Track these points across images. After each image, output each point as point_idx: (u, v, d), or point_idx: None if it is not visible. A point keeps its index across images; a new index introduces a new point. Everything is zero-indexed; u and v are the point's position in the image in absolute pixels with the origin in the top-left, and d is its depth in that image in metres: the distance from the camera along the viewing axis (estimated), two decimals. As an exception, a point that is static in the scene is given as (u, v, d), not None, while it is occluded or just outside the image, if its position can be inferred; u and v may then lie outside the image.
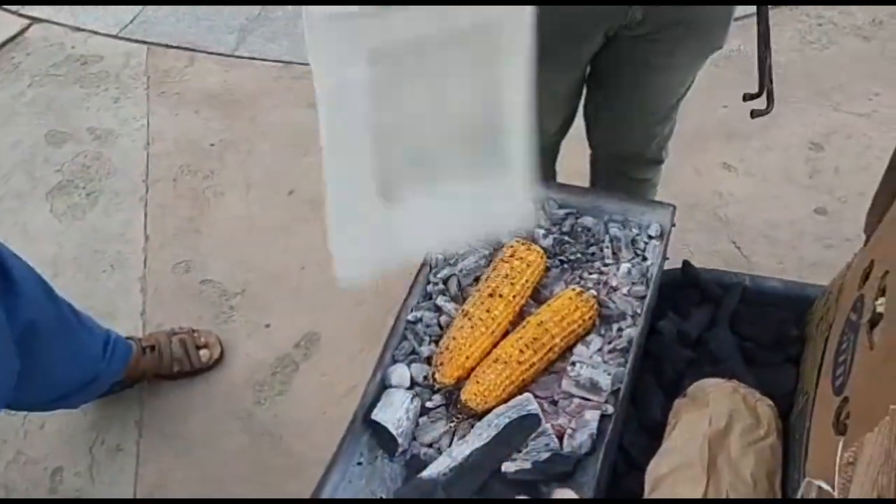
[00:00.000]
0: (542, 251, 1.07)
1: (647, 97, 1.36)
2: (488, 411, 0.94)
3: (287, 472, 1.59)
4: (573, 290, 1.03)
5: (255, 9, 2.70)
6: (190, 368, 1.68)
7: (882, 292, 0.79)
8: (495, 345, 0.99)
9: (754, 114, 1.25)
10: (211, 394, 1.70)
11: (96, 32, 2.62)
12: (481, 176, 0.81)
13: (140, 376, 1.64)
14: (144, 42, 2.58)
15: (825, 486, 0.71)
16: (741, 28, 2.11)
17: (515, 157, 0.80)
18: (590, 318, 1.01)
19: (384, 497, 0.93)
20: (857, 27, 2.47)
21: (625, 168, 1.52)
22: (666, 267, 1.18)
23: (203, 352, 1.70)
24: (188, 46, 2.57)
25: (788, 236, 1.93)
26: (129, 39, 2.59)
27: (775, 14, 2.51)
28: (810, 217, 1.98)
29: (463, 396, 0.95)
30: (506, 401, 0.94)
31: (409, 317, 1.06)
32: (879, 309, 0.78)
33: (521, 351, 0.95)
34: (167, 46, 2.57)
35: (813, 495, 0.74)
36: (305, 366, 1.75)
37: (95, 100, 2.38)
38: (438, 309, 1.07)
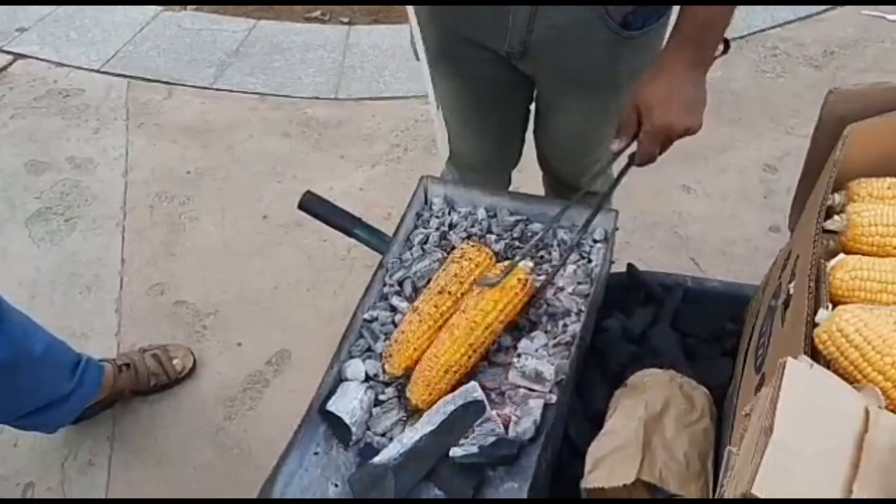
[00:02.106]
0: (490, 252, 1.13)
1: (556, 132, 1.39)
2: (426, 409, 0.99)
3: (256, 486, 1.59)
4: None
5: (234, 44, 2.79)
6: (167, 380, 1.72)
7: (793, 276, 0.85)
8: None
9: None
10: (182, 410, 1.73)
11: (79, 67, 2.69)
12: None
13: (118, 394, 1.67)
14: (125, 76, 2.66)
15: (734, 449, 0.76)
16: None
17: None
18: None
19: (338, 484, 0.97)
20: (809, 57, 2.59)
21: (563, 190, 1.56)
22: (614, 270, 1.24)
23: (176, 362, 1.74)
24: (168, 80, 2.65)
25: (744, 252, 2.01)
26: (110, 73, 2.67)
27: (733, 45, 2.63)
28: (765, 234, 2.05)
29: (410, 397, 1.00)
30: (446, 392, 0.99)
31: (366, 315, 1.11)
32: (792, 291, 0.85)
33: (454, 338, 1.01)
34: (147, 80, 2.65)
35: (732, 462, 0.80)
36: (276, 382, 1.79)
37: (76, 131, 2.44)
38: (393, 308, 1.13)
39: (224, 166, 2.32)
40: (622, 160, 1.13)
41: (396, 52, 2.75)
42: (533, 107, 1.42)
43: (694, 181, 2.21)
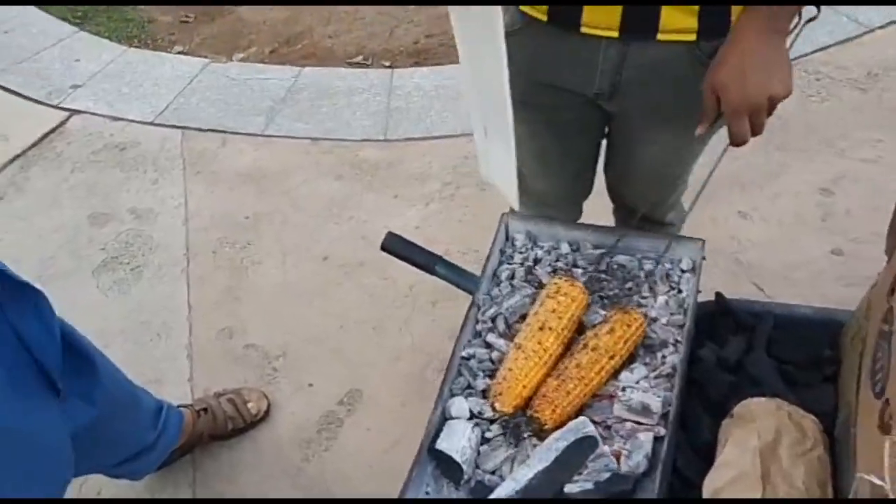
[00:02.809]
0: (583, 287, 1.14)
1: (637, 166, 1.39)
2: (551, 430, 1.00)
3: (338, 526, 1.63)
4: (620, 308, 1.10)
5: (282, 92, 2.86)
6: (243, 424, 1.74)
7: (910, 300, 0.86)
8: (548, 374, 1.06)
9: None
10: (260, 452, 1.75)
11: (133, 120, 2.77)
12: (499, 147, 1.13)
13: (198, 439, 1.69)
14: (178, 127, 2.73)
15: (877, 481, 0.76)
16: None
17: (510, 141, 1.09)
18: (639, 329, 1.07)
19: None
20: (853, 80, 2.60)
21: (635, 223, 1.58)
22: (699, 300, 1.25)
23: (251, 405, 1.77)
24: (220, 129, 2.71)
25: (808, 276, 2.00)
26: (163, 125, 2.74)
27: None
28: (827, 257, 2.05)
29: (531, 413, 1.01)
30: (570, 415, 1.00)
31: (463, 353, 1.13)
32: (909, 315, 0.85)
33: (579, 367, 1.02)
34: (200, 130, 2.72)
35: (866, 492, 0.79)
36: (350, 422, 1.80)
37: (135, 182, 2.50)
38: (489, 345, 1.14)
39: (281, 210, 2.36)
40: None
41: (440, 92, 2.80)
42: (605, 142, 1.43)
43: (750, 207, 2.21)
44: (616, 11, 1.09)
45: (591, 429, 0.99)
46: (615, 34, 1.11)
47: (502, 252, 1.27)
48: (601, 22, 1.11)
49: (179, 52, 3.17)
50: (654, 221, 1.51)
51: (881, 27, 2.80)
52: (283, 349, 1.97)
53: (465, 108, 2.67)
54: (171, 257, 2.23)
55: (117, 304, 2.11)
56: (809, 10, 1.08)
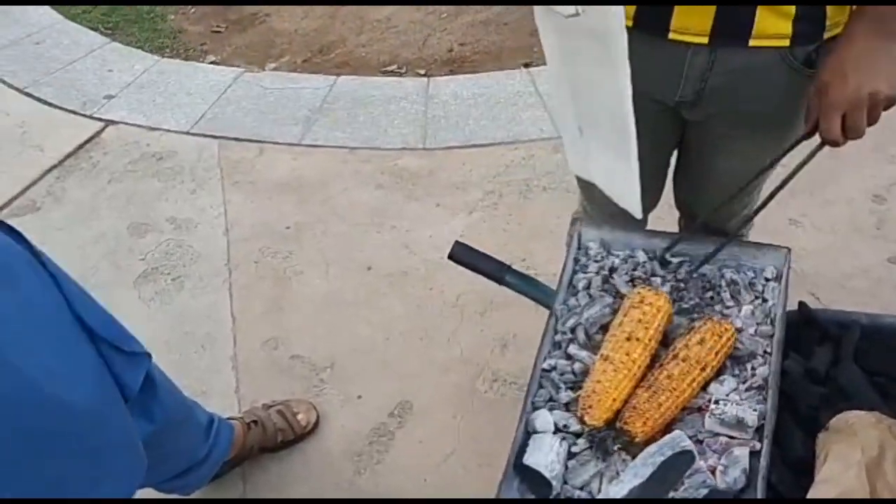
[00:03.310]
0: (668, 296, 1.11)
1: (711, 177, 1.35)
2: (641, 443, 0.96)
3: (394, 542, 1.59)
4: (710, 318, 1.06)
5: (317, 101, 2.84)
6: (293, 436, 1.71)
7: None
8: (637, 386, 1.02)
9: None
10: (311, 465, 1.72)
11: (168, 130, 2.76)
12: (614, 156, 1.09)
13: (248, 452, 1.66)
14: (215, 136, 2.72)
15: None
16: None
17: (632, 157, 1.05)
18: (730, 340, 1.04)
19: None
20: (900, 85, 2.56)
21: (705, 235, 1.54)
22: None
23: (300, 417, 1.74)
24: (256, 139, 2.70)
25: (866, 285, 1.96)
26: (199, 135, 2.73)
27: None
28: (884, 266, 2.00)
29: (621, 425, 0.97)
30: (661, 428, 0.97)
31: (545, 365, 1.09)
32: None
33: (670, 379, 0.99)
34: (236, 140, 2.70)
35: None
36: (401, 434, 1.77)
37: (173, 192, 2.49)
38: (570, 357, 1.10)
39: (322, 220, 2.34)
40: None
41: (478, 100, 2.77)
42: (677, 151, 1.40)
43: (800, 215, 2.17)
44: (708, 16, 1.05)
45: (688, 443, 0.96)
46: (705, 40, 1.08)
47: (577, 261, 1.23)
48: (691, 27, 1.07)
49: (212, 62, 3.16)
50: (721, 232, 1.47)
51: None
52: (330, 360, 1.94)
53: (508, 114, 2.65)
54: (212, 268, 2.21)
55: (160, 315, 2.09)
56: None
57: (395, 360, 1.94)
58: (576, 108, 1.10)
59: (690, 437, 1.00)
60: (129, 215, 2.42)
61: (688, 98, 1.16)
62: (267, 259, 2.22)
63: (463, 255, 1.32)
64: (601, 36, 0.94)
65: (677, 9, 1.06)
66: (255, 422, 1.69)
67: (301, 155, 2.60)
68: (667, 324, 1.10)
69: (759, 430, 0.99)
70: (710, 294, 1.17)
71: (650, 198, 1.48)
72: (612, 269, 1.22)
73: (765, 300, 1.15)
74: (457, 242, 1.33)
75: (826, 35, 1.08)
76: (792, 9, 1.04)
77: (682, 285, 1.19)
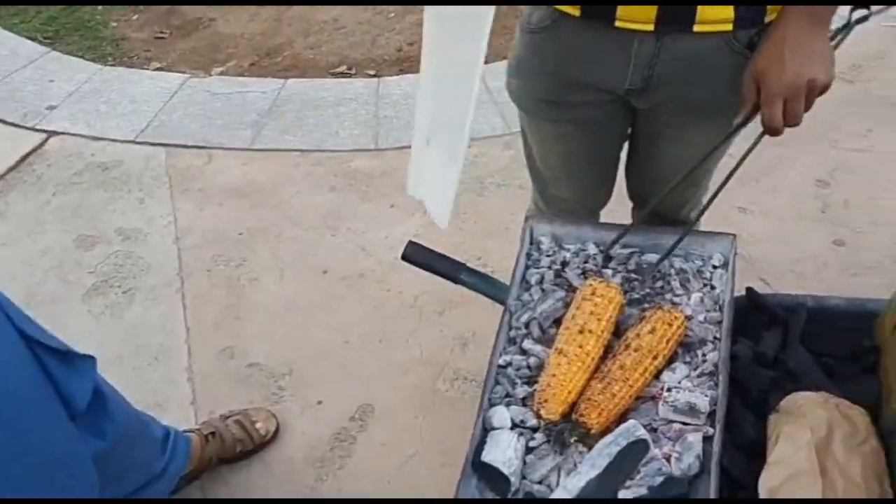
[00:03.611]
0: (619, 287, 1.12)
1: (662, 165, 1.37)
2: (597, 434, 0.97)
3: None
4: (660, 307, 1.07)
5: (266, 104, 2.81)
6: (252, 446, 1.69)
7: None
8: (591, 378, 1.03)
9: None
10: (272, 475, 1.69)
11: (114, 139, 2.70)
12: (447, 159, 1.10)
13: (207, 465, 1.64)
14: (162, 144, 2.67)
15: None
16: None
17: (459, 161, 1.07)
18: (680, 328, 1.05)
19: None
20: (839, 72, 2.61)
21: (658, 223, 1.56)
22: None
23: (259, 426, 1.71)
24: (205, 145, 2.65)
25: (813, 269, 2.00)
26: (146, 143, 2.67)
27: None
28: (830, 249, 2.05)
29: (577, 418, 0.98)
30: (616, 418, 0.97)
31: (500, 361, 1.09)
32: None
33: (623, 369, 0.99)
34: (184, 147, 2.65)
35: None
36: (363, 438, 1.76)
37: (120, 202, 2.43)
38: (525, 352, 1.11)
39: (275, 225, 2.31)
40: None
41: (428, 99, 2.76)
42: (628, 142, 1.41)
43: (749, 203, 2.21)
44: (651, 5, 1.07)
45: (642, 432, 0.96)
46: (651, 28, 1.09)
47: (528, 256, 1.24)
48: (637, 16, 1.08)
49: (157, 69, 3.10)
50: (677, 221, 1.49)
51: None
52: (289, 367, 1.92)
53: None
54: (164, 278, 2.17)
55: (111, 328, 2.04)
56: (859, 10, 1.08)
57: (354, 363, 1.92)
58: (433, 110, 1.10)
59: (645, 426, 1.01)
60: (76, 228, 2.36)
61: (637, 86, 1.18)
62: (220, 267, 2.19)
63: (417, 255, 1.32)
64: (472, 15, 0.95)
65: None
66: (212, 433, 1.66)
67: (251, 160, 2.57)
68: (619, 314, 1.10)
69: (711, 415, 1.01)
70: (660, 283, 1.18)
71: (603, 192, 1.50)
72: (564, 263, 1.22)
73: (713, 287, 1.16)
74: (410, 242, 1.33)
75: (767, 19, 1.10)
76: None
77: (632, 276, 1.20)
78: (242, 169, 2.54)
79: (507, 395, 1.07)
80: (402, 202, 2.35)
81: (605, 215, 1.61)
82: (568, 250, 1.24)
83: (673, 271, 1.19)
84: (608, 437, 0.97)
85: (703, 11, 1.07)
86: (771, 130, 1.09)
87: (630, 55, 1.13)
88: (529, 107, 1.33)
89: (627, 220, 1.63)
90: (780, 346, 1.16)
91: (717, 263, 1.19)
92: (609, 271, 1.20)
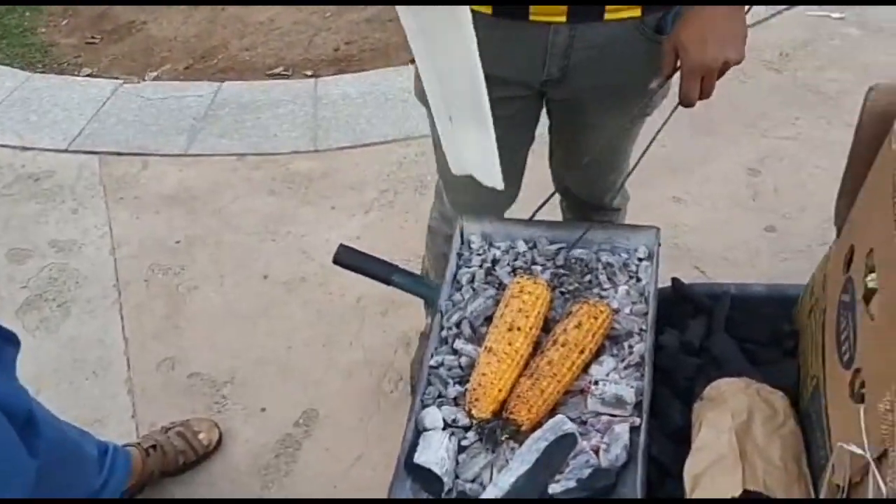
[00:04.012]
0: (546, 283, 1.13)
1: (585, 152, 1.40)
2: (528, 430, 0.98)
3: (307, 552, 1.57)
4: (586, 302, 1.09)
5: (202, 109, 2.77)
6: (195, 457, 1.67)
7: (870, 269, 0.88)
8: (521, 374, 1.04)
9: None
10: (216, 485, 1.68)
11: (45, 149, 2.63)
12: (476, 130, 1.12)
13: (149, 479, 1.61)
14: (95, 152, 2.61)
15: (856, 450, 0.77)
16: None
17: (489, 125, 1.10)
18: (606, 321, 1.07)
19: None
20: (767, 61, 2.70)
21: (585, 211, 1.60)
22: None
23: (202, 436, 1.69)
24: (139, 152, 2.60)
25: (746, 255, 2.06)
26: (79, 152, 2.61)
27: None
28: (762, 235, 2.11)
29: (507, 415, 0.99)
30: (546, 413, 0.99)
31: (432, 362, 1.10)
32: (871, 284, 0.87)
33: (550, 364, 1.01)
34: (118, 154, 2.60)
35: (846, 461, 0.80)
36: (308, 443, 1.75)
37: (53, 213, 2.38)
38: (456, 352, 1.11)
39: (214, 231, 2.28)
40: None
41: (367, 99, 2.76)
42: (549, 135, 1.43)
43: (683, 192, 2.26)
44: None
45: (569, 426, 0.98)
46: (563, 19, 1.12)
47: (459, 255, 1.24)
48: (550, 8, 1.11)
49: (88, 75, 3.03)
50: (603, 207, 1.53)
51: (787, 8, 2.92)
52: (231, 375, 1.90)
53: (398, 111, 2.64)
54: (100, 290, 2.12)
55: (46, 344, 1.99)
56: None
57: (298, 368, 1.91)
58: (443, 93, 1.11)
59: (575, 419, 1.03)
60: (7, 241, 2.29)
61: (554, 76, 1.21)
62: (158, 276, 2.15)
63: (348, 259, 1.31)
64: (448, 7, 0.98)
65: None
66: (153, 446, 1.64)
67: (188, 165, 2.53)
68: (547, 310, 1.12)
69: (637, 405, 1.03)
70: (588, 277, 1.20)
71: (514, 190, 1.52)
72: (495, 261, 1.23)
73: (639, 279, 1.18)
74: (341, 246, 1.32)
75: None
76: None
77: (561, 271, 1.21)
78: (179, 175, 2.50)
79: (440, 396, 1.07)
80: (342, 203, 2.35)
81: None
82: (498, 248, 1.25)
83: (600, 265, 1.21)
84: (537, 433, 0.98)
85: None
86: (687, 104, 1.14)
87: (546, 47, 1.17)
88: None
89: (556, 215, 1.66)
90: (705, 334, 1.18)
91: (642, 256, 1.21)
92: (539, 267, 1.21)
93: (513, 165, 1.46)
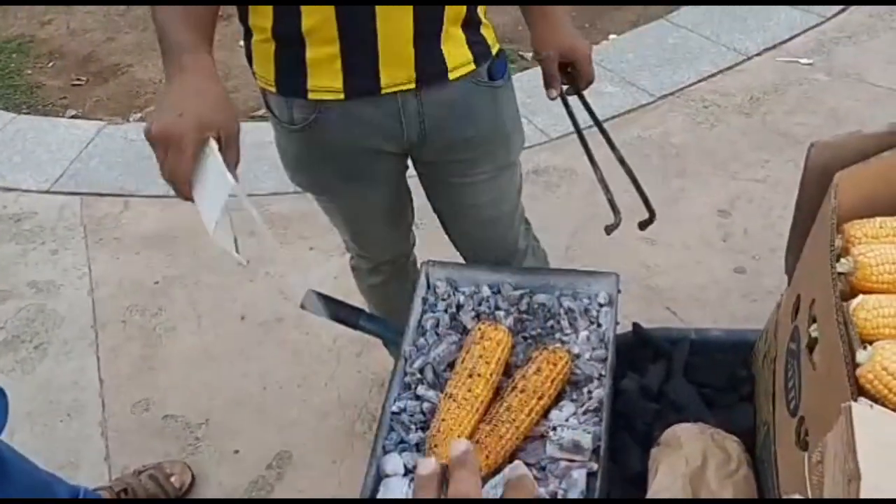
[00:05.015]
0: (507, 329, 1.16)
1: (468, 213, 1.47)
2: (487, 476, 1.00)
3: None
4: (545, 348, 1.11)
5: (184, 149, 2.80)
6: (165, 499, 1.66)
7: (813, 319, 0.91)
8: (481, 420, 1.06)
9: (608, 229, 1.37)
10: (188, 529, 1.67)
11: (27, 190, 2.65)
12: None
13: (119, 523, 1.61)
14: (77, 193, 2.63)
15: (801, 498, 0.79)
16: (637, 117, 2.32)
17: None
18: (565, 367, 1.09)
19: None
20: (737, 105, 2.76)
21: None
22: (618, 331, 1.28)
23: (174, 479, 1.70)
24: (121, 193, 2.63)
25: (716, 296, 2.09)
26: (60, 193, 2.64)
27: (665, 102, 2.79)
28: (732, 276, 2.15)
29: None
30: (505, 459, 1.00)
31: (394, 408, 1.11)
32: (814, 334, 0.90)
33: (509, 410, 1.03)
34: (100, 195, 2.62)
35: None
36: (280, 486, 1.75)
37: (33, 254, 2.39)
38: (419, 398, 1.13)
39: (192, 272, 2.30)
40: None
41: (348, 140, 2.80)
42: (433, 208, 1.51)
43: (654, 234, 2.28)
44: (409, 66, 1.19)
45: (524, 471, 0.99)
46: (413, 86, 1.21)
47: (424, 300, 1.27)
48: (399, 78, 1.20)
49: (73, 117, 3.07)
50: (514, 251, 1.58)
51: (757, 54, 3.00)
52: (205, 416, 1.90)
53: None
54: (77, 331, 2.13)
55: (22, 385, 2.00)
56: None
57: (272, 409, 1.92)
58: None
59: (533, 465, 1.05)
60: (-14, 283, 2.31)
61: (414, 140, 1.29)
62: (135, 317, 2.17)
63: (314, 305, 1.34)
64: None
65: (382, 67, 1.18)
66: (124, 490, 1.64)
67: (169, 206, 2.55)
68: (508, 356, 1.14)
69: (595, 451, 1.05)
70: (550, 322, 1.23)
71: (409, 245, 1.63)
72: (459, 306, 1.26)
73: (599, 325, 1.21)
74: (309, 291, 1.34)
75: (494, 50, 1.30)
76: (464, 38, 1.23)
77: (524, 316, 1.24)
78: (159, 216, 2.52)
79: (402, 441, 1.09)
80: (321, 244, 2.37)
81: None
82: (463, 293, 1.28)
83: (562, 311, 1.24)
84: (494, 479, 1.00)
85: (450, 61, 1.22)
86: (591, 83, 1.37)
87: (399, 115, 1.24)
88: (325, 191, 1.44)
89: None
90: (665, 378, 1.21)
91: (602, 301, 1.24)
92: (502, 313, 1.24)
93: (406, 221, 1.57)
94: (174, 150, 0.92)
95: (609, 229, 1.37)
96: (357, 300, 2.03)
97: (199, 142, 0.92)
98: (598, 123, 1.40)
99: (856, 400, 0.70)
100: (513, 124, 1.39)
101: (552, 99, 1.38)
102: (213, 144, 0.94)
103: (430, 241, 1.77)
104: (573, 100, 1.42)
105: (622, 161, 1.37)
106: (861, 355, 0.76)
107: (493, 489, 0.99)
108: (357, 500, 0.96)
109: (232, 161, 0.95)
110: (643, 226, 1.39)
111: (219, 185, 0.94)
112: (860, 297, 0.85)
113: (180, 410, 1.92)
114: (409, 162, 1.43)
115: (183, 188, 0.95)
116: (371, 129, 1.27)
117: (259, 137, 2.84)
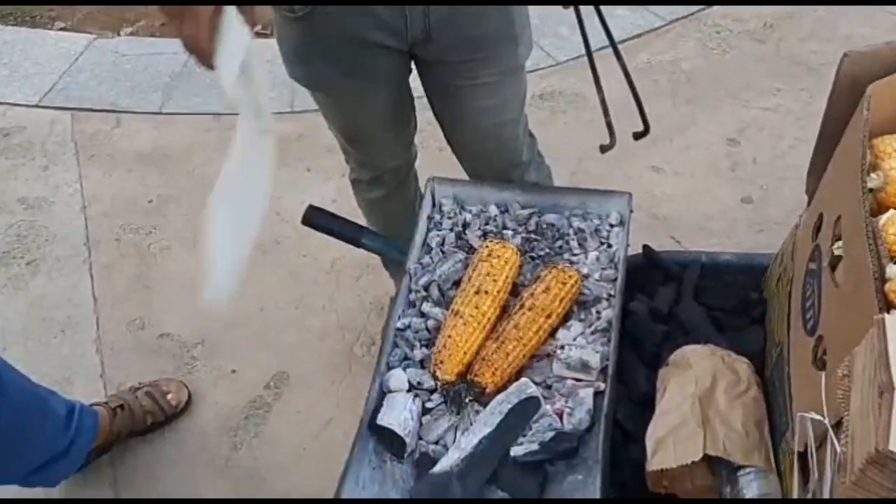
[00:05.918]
0: (515, 248, 1.12)
1: (472, 120, 1.40)
2: (493, 393, 0.98)
3: (276, 512, 1.58)
4: (555, 266, 1.08)
5: (177, 66, 2.71)
6: (163, 417, 1.66)
7: (837, 237, 0.87)
8: (487, 338, 1.03)
9: (603, 149, 1.31)
10: (184, 446, 1.67)
11: (15, 104, 2.57)
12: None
13: (115, 438, 1.60)
14: (67, 108, 2.55)
15: (816, 417, 0.77)
16: (648, 41, 2.23)
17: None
18: (574, 286, 1.06)
19: (398, 497, 0.95)
20: (750, 31, 2.67)
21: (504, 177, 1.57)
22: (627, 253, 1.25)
23: (170, 396, 1.69)
24: (113, 108, 2.55)
25: (722, 226, 2.05)
26: (50, 107, 2.55)
27: (677, 26, 2.70)
28: (739, 206, 2.11)
29: (472, 377, 0.98)
30: (511, 376, 0.98)
31: (399, 324, 1.09)
32: (838, 252, 0.86)
33: (517, 328, 1.00)
34: (91, 110, 2.54)
35: (809, 428, 0.80)
36: (278, 406, 1.74)
37: (23, 170, 2.33)
38: (424, 315, 1.10)
39: (187, 191, 2.25)
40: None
41: (347, 60, 2.71)
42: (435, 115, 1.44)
43: (662, 162, 2.24)
44: None
45: (533, 389, 0.98)
46: None
47: (430, 219, 1.23)
48: None
49: (61, 29, 2.95)
50: (519, 163, 1.52)
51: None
52: (202, 336, 1.88)
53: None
54: (70, 248, 2.09)
55: (14, 301, 1.96)
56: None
57: (270, 331, 1.90)
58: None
59: (540, 383, 1.03)
60: (-25, 198, 2.25)
61: (418, 36, 1.22)
62: (129, 236, 2.12)
63: (317, 220, 1.30)
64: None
65: None
66: (121, 406, 1.63)
67: (162, 124, 2.48)
68: (515, 275, 1.11)
69: (603, 370, 1.03)
70: (559, 243, 1.19)
71: (412, 153, 1.58)
72: (465, 225, 1.22)
73: (609, 246, 1.18)
74: (310, 206, 1.31)
75: None
76: None
77: (532, 236, 1.20)
78: (153, 133, 2.45)
79: (406, 358, 1.07)
80: (319, 165, 2.31)
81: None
82: (469, 212, 1.24)
83: (571, 231, 1.20)
84: (501, 396, 0.98)
85: None
86: None
87: (403, 8, 1.19)
88: (324, 86, 1.36)
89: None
90: (674, 301, 1.18)
91: (613, 222, 1.20)
92: (510, 232, 1.20)
93: (407, 129, 1.50)
94: (189, 19, 0.88)
95: (603, 149, 1.32)
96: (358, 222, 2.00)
97: (212, 9, 0.88)
98: (609, 35, 1.32)
99: (889, 313, 0.67)
100: (521, 26, 1.31)
101: (566, 5, 1.28)
102: (230, 9, 0.89)
103: (433, 161, 1.72)
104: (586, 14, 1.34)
105: (625, 71, 1.29)
106: (892, 269, 0.73)
107: (500, 405, 0.98)
108: (366, 500, 0.94)
109: (249, 23, 0.91)
110: (637, 136, 1.33)
111: (237, 44, 0.92)
112: (890, 211, 0.81)
113: (176, 330, 1.89)
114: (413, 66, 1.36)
115: (205, 56, 0.92)
116: (373, 22, 1.20)
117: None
